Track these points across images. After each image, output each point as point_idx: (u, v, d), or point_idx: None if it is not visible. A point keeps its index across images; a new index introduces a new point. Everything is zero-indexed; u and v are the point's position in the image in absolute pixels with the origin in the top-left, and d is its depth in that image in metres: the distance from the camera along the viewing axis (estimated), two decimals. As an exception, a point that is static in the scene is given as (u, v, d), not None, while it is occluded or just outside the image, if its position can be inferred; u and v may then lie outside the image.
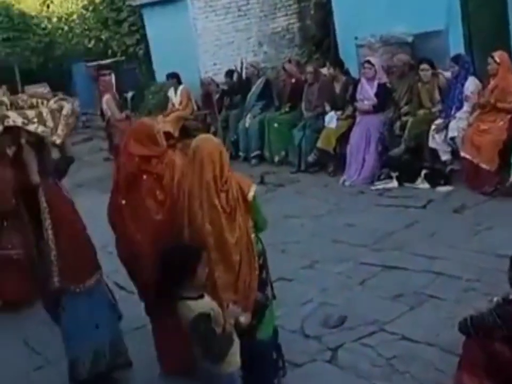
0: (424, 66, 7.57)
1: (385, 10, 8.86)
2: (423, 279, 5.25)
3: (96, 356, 4.37)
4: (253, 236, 3.83)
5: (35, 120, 4.17)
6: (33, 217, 4.30)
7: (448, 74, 7.50)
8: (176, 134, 11.59)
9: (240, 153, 9.98)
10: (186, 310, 3.29)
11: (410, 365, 4.14)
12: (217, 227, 3.69)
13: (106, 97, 10.47)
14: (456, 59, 7.37)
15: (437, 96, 7.55)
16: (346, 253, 6.04)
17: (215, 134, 10.37)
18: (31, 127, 4.16)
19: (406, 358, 4.24)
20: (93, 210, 7.66)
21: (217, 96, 10.76)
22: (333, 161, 8.57)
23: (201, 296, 3.36)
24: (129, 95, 13.15)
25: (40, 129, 4.18)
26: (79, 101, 14.40)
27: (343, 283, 5.49)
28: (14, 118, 4.13)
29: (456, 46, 8.21)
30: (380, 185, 7.71)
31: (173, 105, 11.83)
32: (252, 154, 9.76)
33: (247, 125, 9.81)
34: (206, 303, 3.34)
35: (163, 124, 11.51)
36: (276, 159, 9.45)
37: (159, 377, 4.51)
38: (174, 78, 11.57)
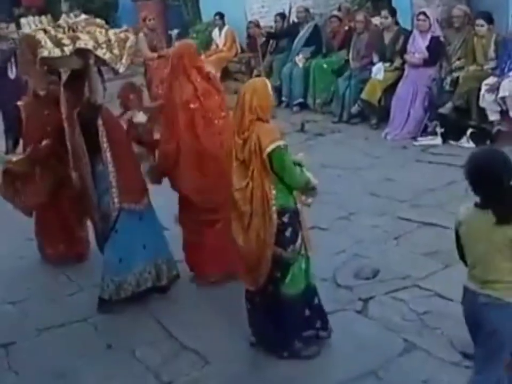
0: (480, 21, 7.27)
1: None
2: (460, 238, 5.15)
3: (141, 275, 4.63)
4: (273, 192, 3.76)
5: (104, 46, 4.22)
6: (89, 144, 4.40)
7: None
8: (218, 75, 11.48)
9: (283, 99, 9.80)
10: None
11: (442, 322, 4.11)
12: (229, 169, 3.84)
13: (140, 35, 10.22)
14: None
15: (492, 52, 7.27)
16: (384, 207, 5.97)
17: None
18: (100, 52, 4.20)
19: (438, 314, 4.21)
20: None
21: (262, 39, 10.54)
22: (376, 113, 8.40)
23: None
24: (174, 32, 12.97)
25: (108, 55, 4.23)
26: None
27: (378, 237, 5.44)
28: (86, 41, 4.15)
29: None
30: (423, 141, 7.54)
31: (217, 46, 11.67)
32: (295, 102, 9.60)
33: (298, 62, 9.55)
34: None
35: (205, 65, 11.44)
36: (318, 101, 9.26)
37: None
38: (220, 18, 11.40)
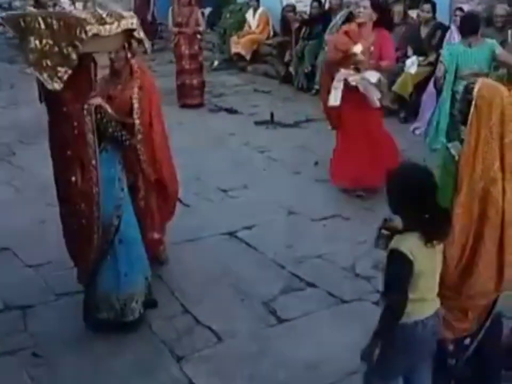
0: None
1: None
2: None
3: (147, 289, 4.34)
4: None
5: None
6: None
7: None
8: (248, 57, 11.43)
9: (315, 86, 9.63)
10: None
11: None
12: None
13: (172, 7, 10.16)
14: None
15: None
16: (408, 201, 5.91)
17: (289, 63, 10.22)
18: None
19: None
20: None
21: (296, 25, 10.46)
22: (406, 107, 8.32)
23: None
24: (207, 11, 12.91)
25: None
26: (156, 10, 14.18)
27: (401, 231, 5.39)
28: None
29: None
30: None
31: (250, 27, 11.62)
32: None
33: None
34: None
35: (235, 45, 11.36)
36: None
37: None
38: (255, 0, 11.34)
